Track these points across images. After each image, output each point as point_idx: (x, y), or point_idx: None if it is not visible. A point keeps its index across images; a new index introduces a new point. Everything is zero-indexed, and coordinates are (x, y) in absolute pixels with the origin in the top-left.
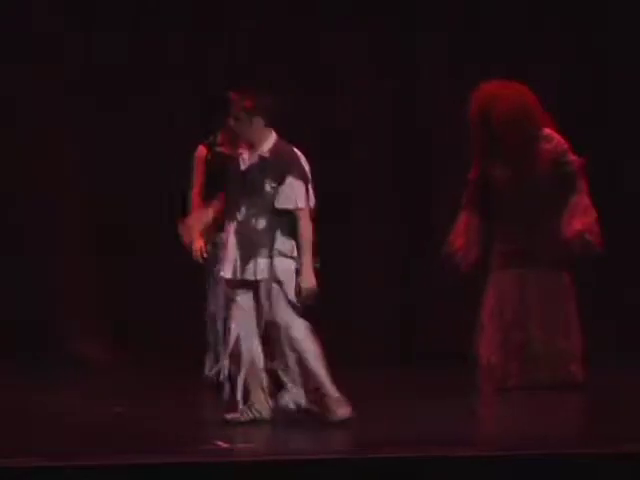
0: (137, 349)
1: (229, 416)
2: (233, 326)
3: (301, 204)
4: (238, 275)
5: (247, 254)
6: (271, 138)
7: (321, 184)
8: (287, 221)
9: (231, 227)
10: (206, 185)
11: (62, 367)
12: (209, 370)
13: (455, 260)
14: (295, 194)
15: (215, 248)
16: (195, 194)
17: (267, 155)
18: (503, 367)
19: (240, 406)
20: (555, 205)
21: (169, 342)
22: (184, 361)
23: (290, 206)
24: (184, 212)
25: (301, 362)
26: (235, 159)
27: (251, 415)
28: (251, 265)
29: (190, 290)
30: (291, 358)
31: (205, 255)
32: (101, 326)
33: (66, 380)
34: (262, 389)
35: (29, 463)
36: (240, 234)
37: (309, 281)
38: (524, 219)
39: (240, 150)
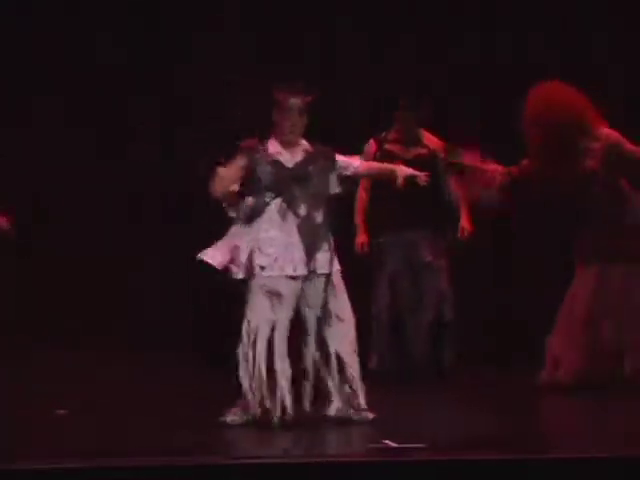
0: None
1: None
2: (260, 324)
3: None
4: (302, 271)
5: (311, 249)
6: None
7: None
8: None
9: (292, 223)
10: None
11: None
12: (376, 366)
13: None
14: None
15: (380, 246)
16: (362, 189)
17: (311, 149)
18: (572, 363)
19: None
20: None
21: None
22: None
23: (354, 164)
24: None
25: (339, 358)
26: (272, 159)
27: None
28: (315, 259)
29: None
30: (333, 355)
31: (367, 249)
32: None
33: None
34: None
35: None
36: (302, 230)
37: None
38: (601, 216)
39: (277, 149)
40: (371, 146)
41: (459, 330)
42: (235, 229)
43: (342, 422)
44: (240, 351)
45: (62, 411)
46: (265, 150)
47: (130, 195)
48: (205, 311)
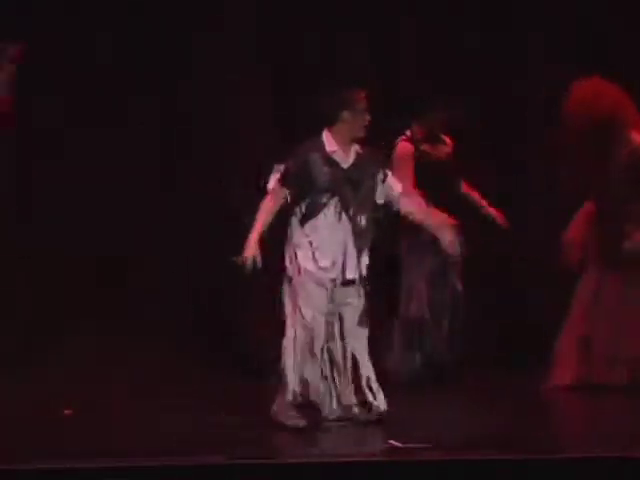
0: None
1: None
2: (316, 315)
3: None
4: (353, 274)
5: (359, 253)
6: None
7: None
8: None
9: (345, 225)
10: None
11: None
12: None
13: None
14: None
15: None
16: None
17: (361, 152)
18: (573, 364)
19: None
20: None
21: None
22: None
23: (400, 190)
24: None
25: (354, 357)
26: (328, 157)
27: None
28: (361, 263)
29: None
30: (349, 353)
31: None
32: None
33: None
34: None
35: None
36: (354, 233)
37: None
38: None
39: (334, 148)
40: (407, 148)
41: (467, 331)
42: (292, 230)
43: (347, 421)
44: (290, 342)
45: (69, 411)
46: (323, 147)
47: (130, 195)
48: (206, 311)
